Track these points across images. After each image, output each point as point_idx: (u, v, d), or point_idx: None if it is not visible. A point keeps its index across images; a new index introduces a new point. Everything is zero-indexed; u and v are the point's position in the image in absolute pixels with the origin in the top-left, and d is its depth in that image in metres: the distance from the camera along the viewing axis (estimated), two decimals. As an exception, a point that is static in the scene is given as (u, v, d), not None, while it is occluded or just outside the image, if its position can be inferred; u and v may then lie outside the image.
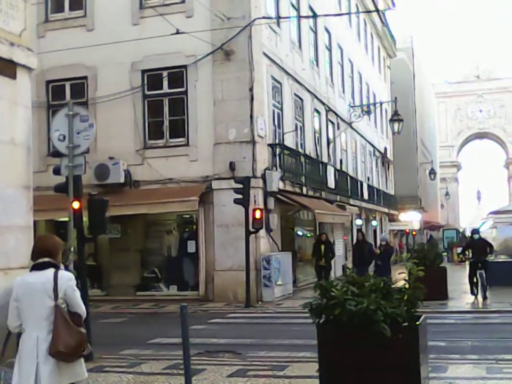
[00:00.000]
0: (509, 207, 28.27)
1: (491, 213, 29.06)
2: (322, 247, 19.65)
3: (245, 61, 18.59)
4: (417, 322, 5.96)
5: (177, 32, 17.82)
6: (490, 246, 18.53)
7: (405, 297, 6.07)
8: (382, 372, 5.78)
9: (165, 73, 19.59)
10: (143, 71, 19.65)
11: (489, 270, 17.57)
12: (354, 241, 24.18)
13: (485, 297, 17.17)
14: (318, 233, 23.79)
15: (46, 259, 4.90)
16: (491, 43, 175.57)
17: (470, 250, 18.47)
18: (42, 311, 4.76)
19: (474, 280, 17.64)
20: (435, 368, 7.97)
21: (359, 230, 22.84)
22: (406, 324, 5.86)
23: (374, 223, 36.55)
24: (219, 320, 14.96)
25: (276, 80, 20.97)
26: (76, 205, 10.09)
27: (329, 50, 28.76)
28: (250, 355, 10.01)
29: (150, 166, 19.18)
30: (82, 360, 4.93)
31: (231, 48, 18.61)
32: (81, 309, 4.94)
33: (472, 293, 17.63)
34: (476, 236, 18.54)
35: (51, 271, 4.87)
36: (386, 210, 40.37)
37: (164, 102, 19.71)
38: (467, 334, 11.97)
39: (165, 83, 19.65)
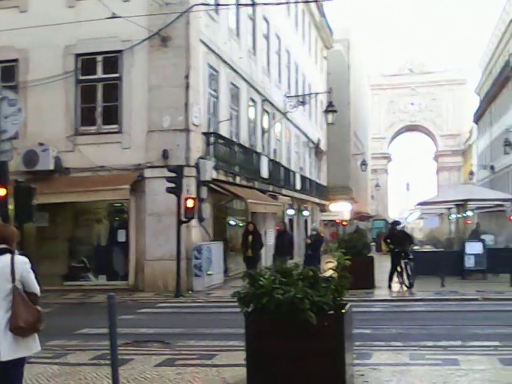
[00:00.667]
0: (435, 198, 29.03)
1: (418, 204, 29.81)
2: (250, 237, 19.44)
3: (181, 47, 18.44)
4: (343, 311, 6.11)
5: (113, 16, 17.48)
6: (410, 237, 19.25)
7: (332, 286, 6.21)
8: (308, 359, 5.91)
9: (99, 58, 19.20)
10: (77, 55, 19.21)
11: (412, 260, 18.09)
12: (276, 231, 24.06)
13: (410, 286, 17.66)
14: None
15: (3, 246, 5.29)
16: (425, 37, 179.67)
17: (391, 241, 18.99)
18: (0, 292, 5.13)
19: (398, 269, 18.15)
20: (360, 355, 8.17)
21: (280, 221, 22.88)
22: (331, 312, 6.01)
23: (305, 213, 36.98)
24: (148, 310, 14.89)
25: (212, 68, 20.88)
26: (1, 192, 9.84)
27: (267, 39, 28.81)
28: (179, 344, 10.00)
29: (81, 153, 18.81)
30: (36, 335, 5.34)
31: (168, 34, 18.40)
32: (36, 289, 5.36)
33: (390, 286, 18.10)
34: (398, 227, 19.17)
35: (8, 256, 5.23)
36: (317, 200, 40.89)
37: (98, 88, 19.33)
38: (392, 322, 12.30)
39: (99, 68, 19.28)
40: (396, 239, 18.55)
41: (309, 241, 20.39)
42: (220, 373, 7.63)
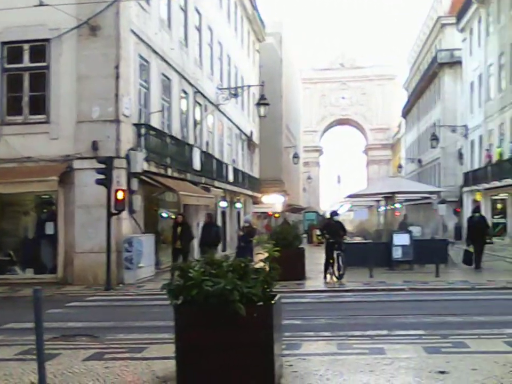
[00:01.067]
0: (364, 191, 29.52)
1: (348, 196, 30.25)
2: (179, 229, 18.97)
3: (111, 37, 18.17)
4: (272, 302, 6.16)
5: (41, 4, 17.07)
6: (344, 229, 19.54)
7: (261, 277, 6.25)
8: (237, 350, 5.94)
9: (26, 46, 18.70)
10: (3, 43, 18.68)
11: (345, 251, 18.35)
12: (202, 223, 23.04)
13: (341, 277, 17.92)
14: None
15: None
16: (356, 33, 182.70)
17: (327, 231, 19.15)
18: None
19: (331, 261, 18.38)
20: (290, 345, 8.26)
21: (207, 212, 22.45)
22: (261, 303, 6.05)
23: (238, 205, 37.07)
24: (78, 303, 14.63)
25: (143, 58, 20.62)
26: None
27: (199, 31, 28.64)
28: (108, 338, 9.86)
29: (7, 143, 18.28)
30: None
31: (97, 24, 18.10)
32: None
33: (325, 277, 18.31)
34: (335, 218, 19.34)
35: None
36: (250, 193, 41.06)
37: (24, 77, 18.82)
38: (322, 312, 12.49)
39: (26, 57, 18.79)
40: (332, 229, 18.74)
41: (241, 233, 20.39)
42: (149, 366, 7.55)
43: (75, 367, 7.64)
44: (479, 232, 20.59)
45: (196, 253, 22.09)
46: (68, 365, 7.71)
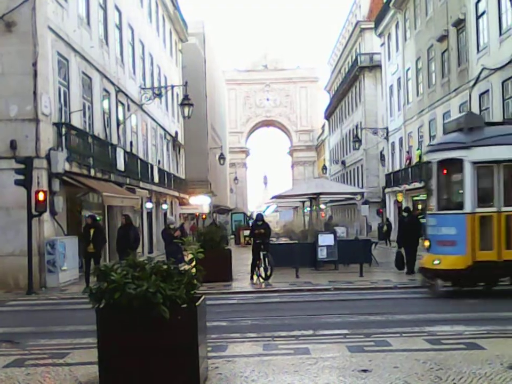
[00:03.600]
0: (288, 192, 29.63)
1: (273, 197, 30.33)
2: (92, 231, 17.52)
3: (28, 33, 17.69)
4: (196, 304, 6.06)
5: (-49, -2, 16.37)
6: (270, 230, 19.54)
7: (185, 279, 6.14)
8: (162, 353, 5.84)
9: None
10: None
11: (271, 252, 18.34)
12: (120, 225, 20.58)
13: (268, 277, 17.93)
14: (107, 216, 23.37)
15: None
16: (279, 34, 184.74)
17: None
18: None
19: (257, 262, 18.34)
20: (215, 347, 8.18)
21: (123, 214, 21.50)
22: (185, 305, 5.94)
23: (164, 206, 36.72)
24: (-3, 308, 14.20)
25: (62, 56, 20.11)
26: None
27: (120, 29, 28.18)
28: (29, 344, 9.56)
29: None
30: None
31: (12, 20, 17.65)
32: None
33: (252, 278, 18.28)
34: (260, 222, 19.20)
35: None
36: (177, 194, 40.76)
37: None
38: (248, 313, 12.43)
39: None
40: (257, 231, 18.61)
41: (179, 233, 19.69)
42: (72, 371, 7.34)
43: (-6, 374, 7.35)
44: (411, 233, 18.75)
45: (108, 257, 21.51)
46: (-14, 372, 7.41)
